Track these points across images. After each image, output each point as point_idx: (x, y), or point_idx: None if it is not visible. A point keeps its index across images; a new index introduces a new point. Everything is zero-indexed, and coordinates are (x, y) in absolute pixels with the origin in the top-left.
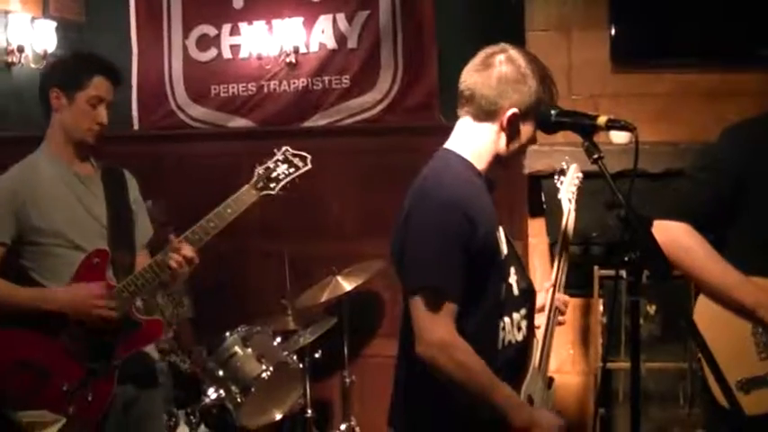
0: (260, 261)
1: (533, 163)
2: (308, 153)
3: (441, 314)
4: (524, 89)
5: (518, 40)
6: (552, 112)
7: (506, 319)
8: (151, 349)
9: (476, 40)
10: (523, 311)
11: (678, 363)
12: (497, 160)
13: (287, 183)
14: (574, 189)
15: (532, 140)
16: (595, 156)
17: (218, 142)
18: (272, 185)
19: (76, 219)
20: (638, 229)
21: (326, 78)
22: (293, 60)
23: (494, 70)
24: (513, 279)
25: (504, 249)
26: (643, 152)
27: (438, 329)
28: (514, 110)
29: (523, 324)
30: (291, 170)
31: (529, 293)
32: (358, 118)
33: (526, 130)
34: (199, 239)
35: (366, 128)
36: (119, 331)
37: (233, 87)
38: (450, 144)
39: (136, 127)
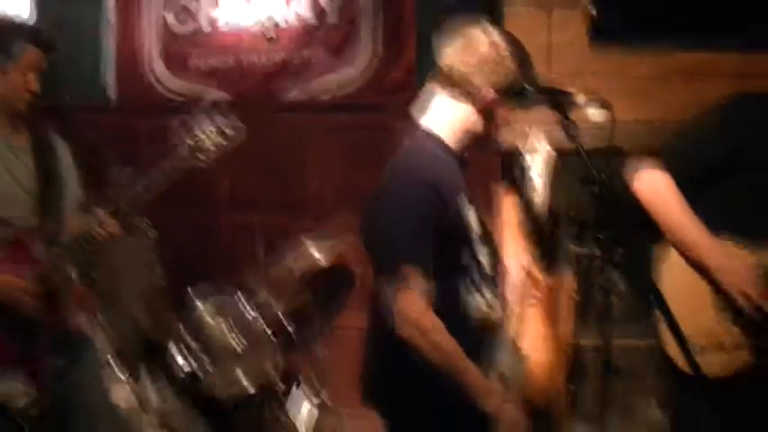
0: (234, 233)
1: (507, 139)
2: (286, 127)
3: (415, 292)
4: (502, 70)
5: (496, 17)
6: (530, 89)
7: (478, 297)
8: (83, 319)
9: (455, 17)
10: (495, 288)
11: (649, 340)
12: (472, 139)
13: (217, 152)
14: (545, 166)
15: (509, 118)
16: (572, 133)
17: (204, 117)
18: (201, 156)
19: (2, 190)
20: (611, 205)
21: (305, 53)
22: (272, 34)
23: (474, 50)
24: (484, 257)
25: (476, 227)
26: (619, 130)
27: (413, 308)
28: (490, 90)
29: (496, 302)
30: (223, 139)
31: (500, 270)
32: (336, 93)
33: (501, 111)
34: (127, 212)
35: (344, 104)
36: (50, 305)
37: (211, 60)
38: (426, 121)
39: (112, 98)
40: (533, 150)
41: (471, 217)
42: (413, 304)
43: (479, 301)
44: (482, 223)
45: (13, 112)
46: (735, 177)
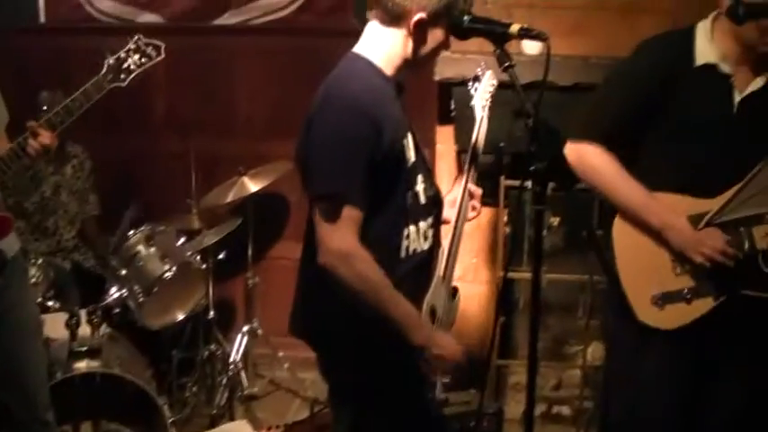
0: (166, 159)
1: (443, 70)
2: (219, 51)
3: (342, 222)
4: None
5: None
6: (465, 18)
7: (412, 228)
8: (6, 244)
9: None
10: (430, 220)
11: (579, 275)
12: (406, 65)
13: (138, 74)
14: (488, 97)
15: (444, 46)
16: (506, 64)
17: (127, 37)
18: (122, 77)
19: None
20: (544, 139)
21: None
22: None
23: None
24: (420, 187)
25: (412, 156)
26: (554, 64)
27: (339, 238)
28: (421, 14)
29: (429, 233)
30: (144, 60)
31: (436, 202)
32: (270, 18)
33: (435, 35)
34: (51, 127)
35: (277, 28)
36: None
37: None
38: (359, 48)
39: (42, 19)
40: (475, 79)
41: (408, 145)
42: (339, 233)
43: (413, 232)
44: (419, 152)
45: None
46: (658, 127)
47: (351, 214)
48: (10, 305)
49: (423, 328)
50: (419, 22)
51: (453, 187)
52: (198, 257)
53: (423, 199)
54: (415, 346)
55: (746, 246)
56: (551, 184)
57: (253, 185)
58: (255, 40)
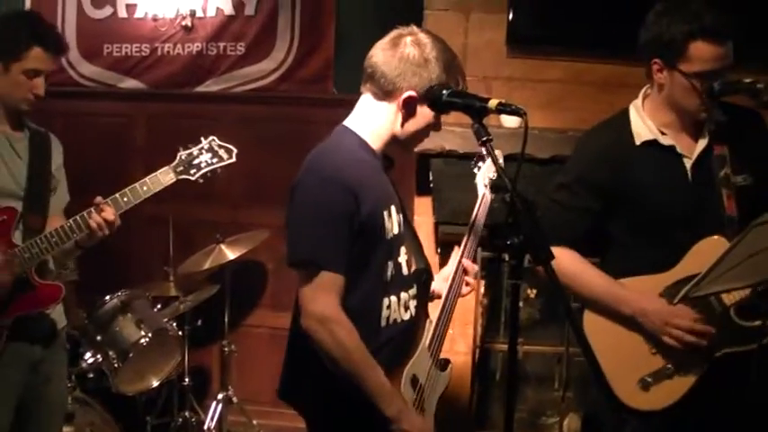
0: (144, 224)
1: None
2: (200, 118)
3: (322, 288)
4: (425, 73)
5: (416, 18)
6: (444, 91)
7: (393, 298)
8: (58, 315)
9: (374, 15)
10: (412, 291)
11: (555, 346)
12: (394, 140)
13: (208, 172)
14: (492, 175)
15: (434, 125)
16: (484, 138)
17: (109, 102)
18: (192, 171)
19: None
20: (522, 213)
21: (222, 44)
22: (189, 24)
23: (398, 50)
24: (403, 258)
25: (395, 228)
26: (532, 137)
27: (319, 303)
28: (411, 92)
29: (412, 304)
30: (215, 160)
31: (421, 274)
32: (252, 86)
33: (425, 113)
34: (116, 205)
35: (258, 96)
36: (12, 292)
37: (126, 47)
38: (349, 121)
39: None
40: (479, 158)
41: (390, 217)
42: (319, 298)
43: (393, 302)
44: (407, 225)
45: (13, 110)
46: (615, 213)
47: (330, 280)
48: (46, 378)
49: (394, 401)
50: (408, 100)
51: (450, 261)
52: (174, 324)
53: (405, 270)
54: (385, 417)
55: (718, 308)
56: (528, 257)
57: (230, 253)
58: (236, 108)
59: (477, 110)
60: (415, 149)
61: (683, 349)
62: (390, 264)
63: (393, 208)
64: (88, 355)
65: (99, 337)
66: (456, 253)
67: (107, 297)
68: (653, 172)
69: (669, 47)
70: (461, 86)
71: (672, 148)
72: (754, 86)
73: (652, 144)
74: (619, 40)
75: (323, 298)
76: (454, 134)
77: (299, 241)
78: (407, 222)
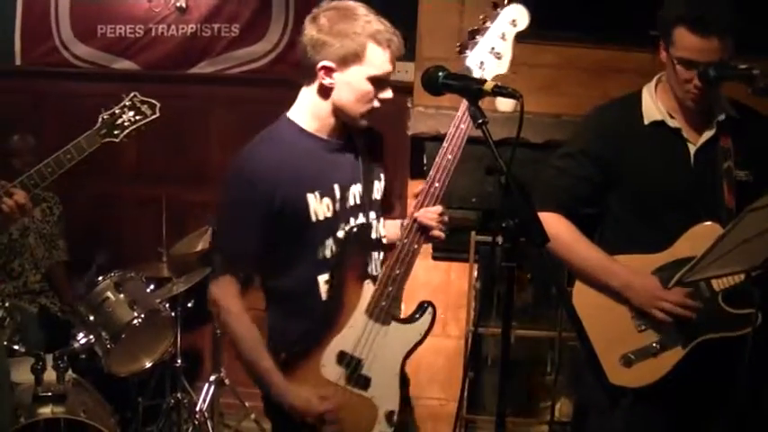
0: (137, 206)
1: (416, 125)
2: (193, 99)
3: (222, 277)
4: (330, 44)
5: (411, 0)
6: (440, 74)
7: (327, 275)
8: None
9: None
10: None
11: (547, 331)
12: (338, 116)
13: (132, 130)
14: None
15: (372, 93)
16: (480, 121)
17: (102, 83)
18: (116, 132)
19: None
20: (517, 196)
21: (216, 26)
22: (183, 5)
23: (303, 35)
24: (341, 234)
25: (327, 210)
26: (526, 122)
27: (216, 290)
28: (323, 62)
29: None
30: (138, 117)
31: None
32: (245, 68)
33: (354, 80)
34: (34, 184)
35: (251, 78)
36: None
37: (120, 28)
38: (290, 110)
39: (17, 62)
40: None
41: (320, 200)
42: (216, 287)
43: (328, 285)
44: (366, 197)
45: None
46: (614, 187)
47: (230, 269)
48: None
49: (280, 386)
50: (323, 70)
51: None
52: (167, 305)
53: (331, 250)
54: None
55: (706, 292)
56: (522, 240)
57: None
58: (230, 90)
59: (473, 92)
60: (410, 132)
61: (669, 326)
62: (323, 244)
63: (322, 190)
64: (80, 335)
65: (91, 318)
66: (412, 202)
67: (100, 277)
68: (657, 151)
69: (663, 28)
70: (387, 51)
71: (678, 131)
72: (750, 72)
73: (660, 125)
74: (614, 26)
75: (220, 286)
76: (449, 118)
77: (214, 234)
78: (368, 194)
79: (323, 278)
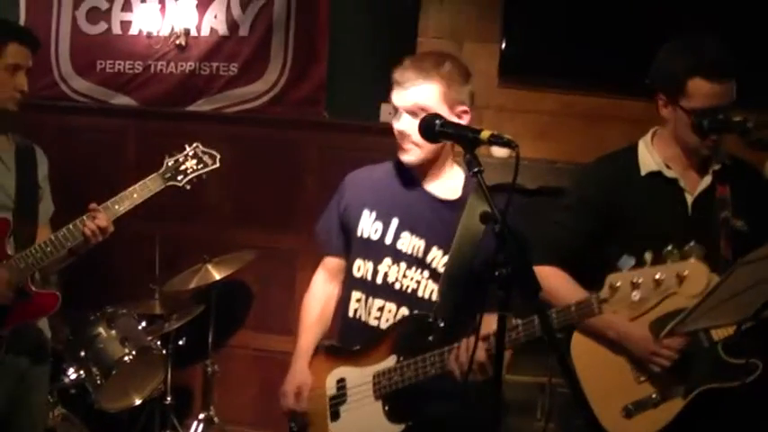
0: (131, 242)
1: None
2: (190, 137)
3: (321, 261)
4: None
5: (410, 45)
6: (437, 122)
7: (360, 295)
8: (44, 325)
9: (367, 41)
10: (388, 305)
11: (538, 377)
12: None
13: (194, 177)
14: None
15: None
16: (475, 169)
17: (100, 118)
18: (179, 178)
19: None
20: (510, 244)
21: (215, 64)
22: (183, 43)
23: None
24: (391, 270)
25: (373, 233)
26: (521, 168)
27: (316, 271)
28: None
29: (380, 315)
30: (200, 166)
31: (404, 294)
32: (243, 107)
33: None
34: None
35: (249, 117)
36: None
37: (119, 64)
38: None
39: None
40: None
41: (370, 219)
42: (315, 274)
43: (362, 300)
44: (399, 237)
45: (1, 112)
46: (613, 238)
47: (323, 254)
48: (30, 387)
49: (295, 361)
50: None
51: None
52: (158, 342)
53: (379, 279)
54: None
55: (705, 342)
56: (515, 288)
57: (217, 273)
58: (227, 128)
59: (469, 141)
60: None
61: (669, 377)
62: (361, 263)
63: (379, 213)
64: (71, 370)
65: (82, 353)
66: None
67: (92, 313)
68: (654, 201)
69: (671, 82)
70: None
71: (675, 181)
72: (744, 125)
73: (657, 175)
74: (609, 75)
75: (317, 272)
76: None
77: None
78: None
79: (355, 295)
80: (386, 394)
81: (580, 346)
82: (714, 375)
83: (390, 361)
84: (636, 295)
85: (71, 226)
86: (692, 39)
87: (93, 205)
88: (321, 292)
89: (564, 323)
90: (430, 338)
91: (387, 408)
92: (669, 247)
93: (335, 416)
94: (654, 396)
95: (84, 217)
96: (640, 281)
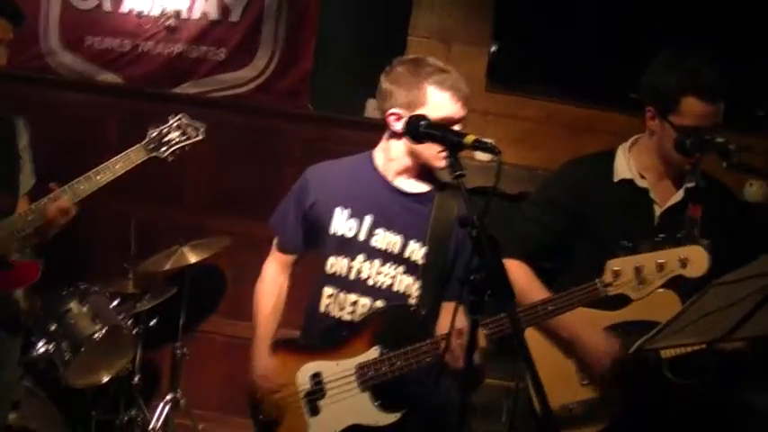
0: (107, 221)
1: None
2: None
3: (273, 250)
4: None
5: (399, 44)
6: (422, 123)
7: (333, 291)
8: (20, 296)
9: (356, 36)
10: (362, 300)
11: (505, 380)
12: (404, 163)
13: (177, 149)
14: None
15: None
16: (457, 173)
17: (84, 94)
18: (162, 149)
19: None
20: (487, 250)
21: (203, 48)
22: (173, 24)
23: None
24: (364, 266)
25: (347, 230)
26: (502, 173)
27: (267, 260)
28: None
29: (354, 309)
30: (183, 138)
31: (379, 290)
32: (229, 92)
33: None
34: (83, 190)
35: (235, 103)
36: None
37: (108, 41)
38: None
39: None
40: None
41: (343, 217)
42: (268, 257)
43: (333, 295)
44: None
45: None
46: (583, 239)
47: (277, 246)
48: (1, 360)
49: (257, 358)
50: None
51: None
52: (129, 321)
53: (353, 275)
54: None
55: (652, 358)
56: (488, 292)
57: (191, 257)
58: (211, 113)
59: (453, 144)
60: None
61: (610, 384)
62: (335, 260)
63: (353, 211)
64: (40, 344)
65: (53, 327)
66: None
67: (64, 288)
68: (621, 208)
69: (663, 97)
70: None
71: (645, 192)
72: (726, 147)
73: (629, 183)
74: (593, 86)
75: (269, 258)
76: None
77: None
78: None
79: (327, 291)
80: (374, 385)
81: (531, 340)
82: (653, 391)
83: (374, 352)
84: (640, 278)
85: (34, 206)
86: (688, 54)
87: (52, 185)
88: (274, 282)
89: (565, 309)
90: (416, 326)
91: (377, 397)
92: (661, 236)
93: (315, 411)
94: (593, 399)
95: (45, 199)
96: (643, 265)
